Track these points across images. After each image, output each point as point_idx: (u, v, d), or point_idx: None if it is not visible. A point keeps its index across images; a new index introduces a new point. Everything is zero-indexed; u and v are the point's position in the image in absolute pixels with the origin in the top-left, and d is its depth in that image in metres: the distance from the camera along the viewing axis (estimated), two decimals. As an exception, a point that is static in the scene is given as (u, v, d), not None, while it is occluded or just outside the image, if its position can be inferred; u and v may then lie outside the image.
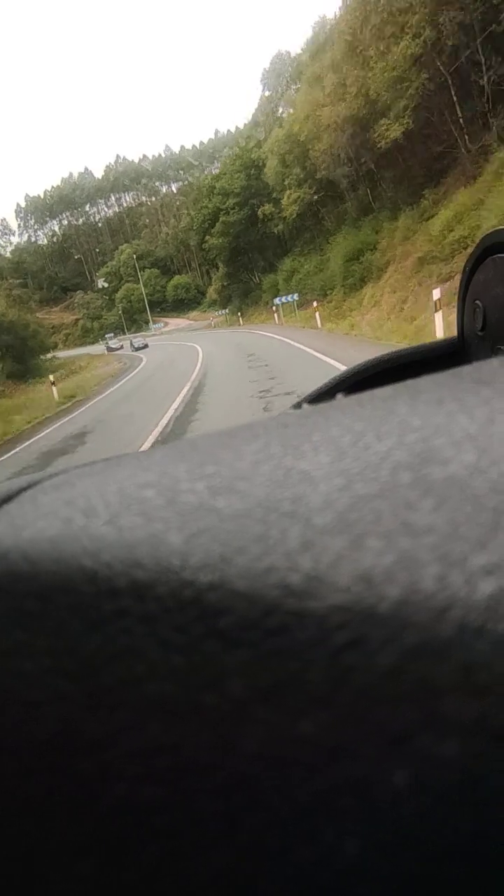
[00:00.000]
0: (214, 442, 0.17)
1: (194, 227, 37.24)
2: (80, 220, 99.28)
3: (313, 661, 0.09)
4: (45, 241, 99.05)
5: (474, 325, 0.40)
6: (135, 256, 78.00)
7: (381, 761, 0.08)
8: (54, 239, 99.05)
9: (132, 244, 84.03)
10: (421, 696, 0.08)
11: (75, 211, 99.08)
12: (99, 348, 51.51)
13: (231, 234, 33.07)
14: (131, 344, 37.20)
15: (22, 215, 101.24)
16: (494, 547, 0.09)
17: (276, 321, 21.61)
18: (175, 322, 66.85)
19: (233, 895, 0.09)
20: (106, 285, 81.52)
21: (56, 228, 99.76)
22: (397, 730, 0.08)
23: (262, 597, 0.10)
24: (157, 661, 0.10)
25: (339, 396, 0.20)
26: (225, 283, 38.60)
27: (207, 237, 35.01)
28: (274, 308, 22.01)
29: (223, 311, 38.76)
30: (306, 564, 0.10)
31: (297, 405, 0.31)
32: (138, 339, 37.90)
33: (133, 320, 73.14)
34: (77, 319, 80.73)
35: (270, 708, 0.09)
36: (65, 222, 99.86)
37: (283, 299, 21.53)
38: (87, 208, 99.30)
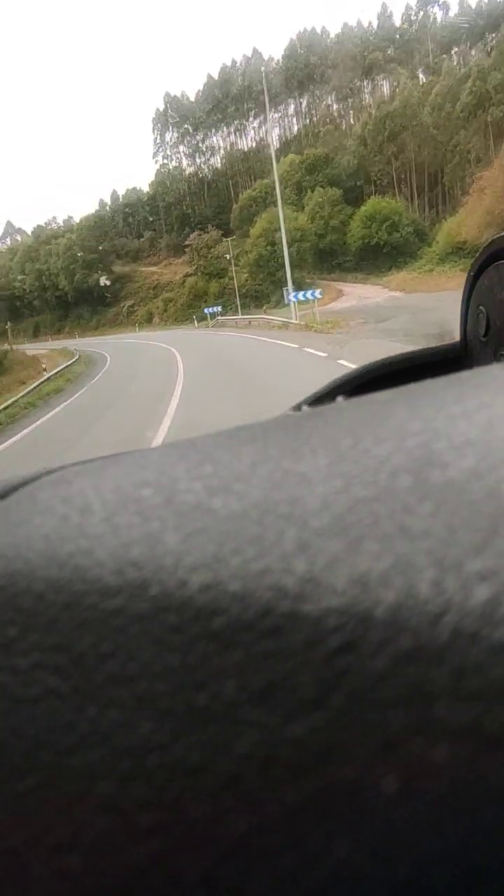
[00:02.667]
0: (213, 442, 0.17)
1: None
2: (238, 127, 65.30)
3: (307, 663, 0.09)
4: (187, 164, 66.82)
5: (477, 330, 0.41)
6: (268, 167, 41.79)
7: (373, 765, 0.08)
8: (197, 159, 66.52)
9: (303, 154, 48.42)
10: (414, 701, 0.08)
11: (234, 111, 65.31)
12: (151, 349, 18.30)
13: None
14: None
15: (159, 126, 70.11)
16: (490, 552, 0.09)
17: None
18: (354, 290, 30.65)
19: None
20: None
21: (201, 145, 67.16)
22: (389, 733, 0.08)
23: (256, 598, 0.10)
24: (150, 660, 0.10)
25: (340, 399, 0.20)
26: None
27: None
28: None
29: None
30: (302, 567, 0.10)
31: (297, 407, 0.31)
32: None
33: (275, 281, 37.77)
34: (186, 276, 47.74)
35: (263, 709, 0.09)
36: (213, 131, 66.67)
37: None
38: (249, 117, 65.20)
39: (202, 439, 0.17)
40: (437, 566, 0.09)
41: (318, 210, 39.83)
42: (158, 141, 69.27)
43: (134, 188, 68.38)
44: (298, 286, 35.69)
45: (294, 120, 62.92)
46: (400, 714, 0.08)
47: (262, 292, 38.56)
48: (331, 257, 39.75)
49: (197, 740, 0.10)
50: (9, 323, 58.13)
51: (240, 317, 28.79)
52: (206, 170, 65.44)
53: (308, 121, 60.45)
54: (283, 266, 36.79)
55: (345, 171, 44.32)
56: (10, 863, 0.11)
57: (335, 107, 58.38)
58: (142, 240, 61.27)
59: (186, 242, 48.13)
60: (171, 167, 67.13)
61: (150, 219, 62.58)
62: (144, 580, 0.11)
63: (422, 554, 0.10)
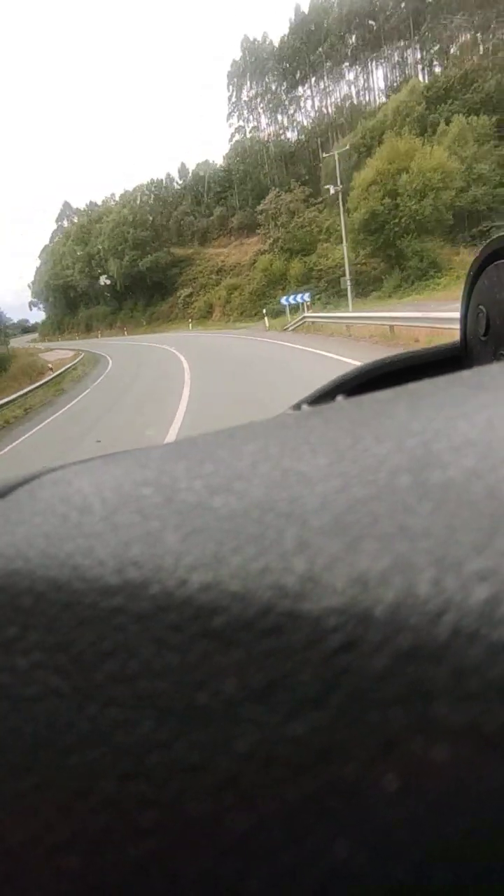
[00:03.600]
0: (214, 441, 0.17)
1: None
2: (330, 71, 52.25)
3: (307, 662, 0.09)
4: (266, 122, 54.84)
5: (477, 329, 0.41)
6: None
7: (373, 764, 0.09)
8: (279, 115, 54.18)
9: (427, 81, 34.80)
10: (414, 700, 0.09)
11: (329, 49, 52.16)
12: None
13: None
14: None
15: (235, 81, 58.07)
16: (490, 552, 0.09)
17: None
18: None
19: (220, 895, 0.09)
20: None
21: (285, 97, 54.69)
22: (389, 732, 0.09)
23: (256, 597, 0.10)
24: (151, 659, 0.11)
25: (340, 399, 0.20)
26: None
27: None
28: None
29: None
30: (301, 566, 0.10)
31: (297, 406, 0.31)
32: None
33: (390, 257, 24.54)
34: (259, 253, 35.37)
35: (263, 708, 0.09)
36: (299, 79, 53.87)
37: None
38: (345, 62, 51.91)
39: (202, 438, 0.18)
40: (437, 565, 0.09)
41: (456, 148, 26.38)
42: (234, 99, 57.12)
43: (206, 161, 56.74)
44: (432, 265, 22.38)
45: (408, 53, 48.92)
46: (400, 713, 0.09)
47: (366, 274, 25.64)
48: (470, 222, 26.28)
49: (197, 739, 0.10)
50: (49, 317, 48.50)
51: (361, 313, 12.93)
52: (291, 129, 52.74)
53: (424, 52, 46.39)
54: (409, 231, 23.61)
55: (494, 96, 30.41)
56: (10, 862, 0.11)
57: (463, 39, 44.03)
58: (211, 218, 49.73)
59: (260, 208, 35.90)
60: (247, 129, 54.94)
61: (223, 193, 50.86)
62: (144, 579, 0.11)
63: (421, 553, 0.10)
